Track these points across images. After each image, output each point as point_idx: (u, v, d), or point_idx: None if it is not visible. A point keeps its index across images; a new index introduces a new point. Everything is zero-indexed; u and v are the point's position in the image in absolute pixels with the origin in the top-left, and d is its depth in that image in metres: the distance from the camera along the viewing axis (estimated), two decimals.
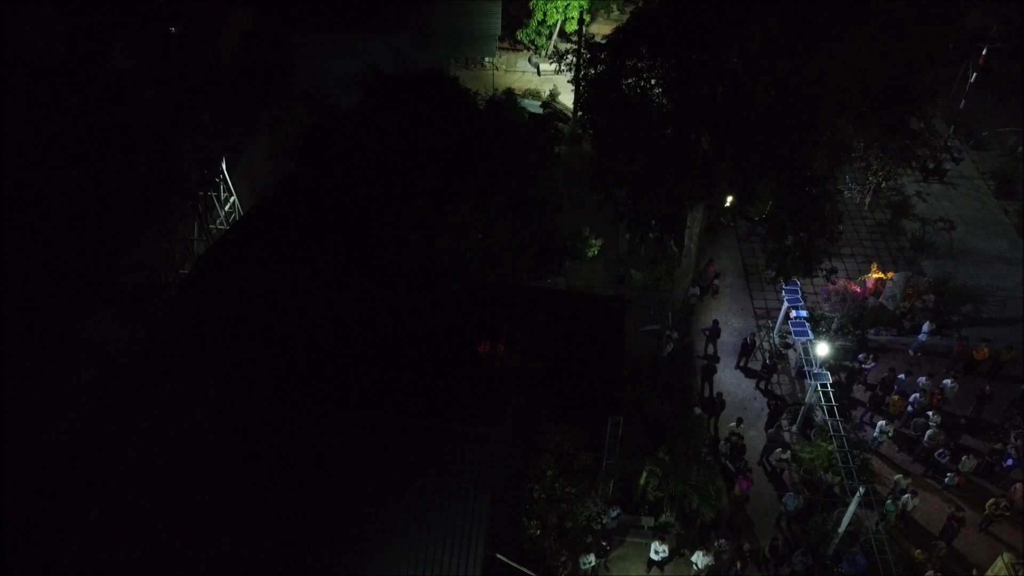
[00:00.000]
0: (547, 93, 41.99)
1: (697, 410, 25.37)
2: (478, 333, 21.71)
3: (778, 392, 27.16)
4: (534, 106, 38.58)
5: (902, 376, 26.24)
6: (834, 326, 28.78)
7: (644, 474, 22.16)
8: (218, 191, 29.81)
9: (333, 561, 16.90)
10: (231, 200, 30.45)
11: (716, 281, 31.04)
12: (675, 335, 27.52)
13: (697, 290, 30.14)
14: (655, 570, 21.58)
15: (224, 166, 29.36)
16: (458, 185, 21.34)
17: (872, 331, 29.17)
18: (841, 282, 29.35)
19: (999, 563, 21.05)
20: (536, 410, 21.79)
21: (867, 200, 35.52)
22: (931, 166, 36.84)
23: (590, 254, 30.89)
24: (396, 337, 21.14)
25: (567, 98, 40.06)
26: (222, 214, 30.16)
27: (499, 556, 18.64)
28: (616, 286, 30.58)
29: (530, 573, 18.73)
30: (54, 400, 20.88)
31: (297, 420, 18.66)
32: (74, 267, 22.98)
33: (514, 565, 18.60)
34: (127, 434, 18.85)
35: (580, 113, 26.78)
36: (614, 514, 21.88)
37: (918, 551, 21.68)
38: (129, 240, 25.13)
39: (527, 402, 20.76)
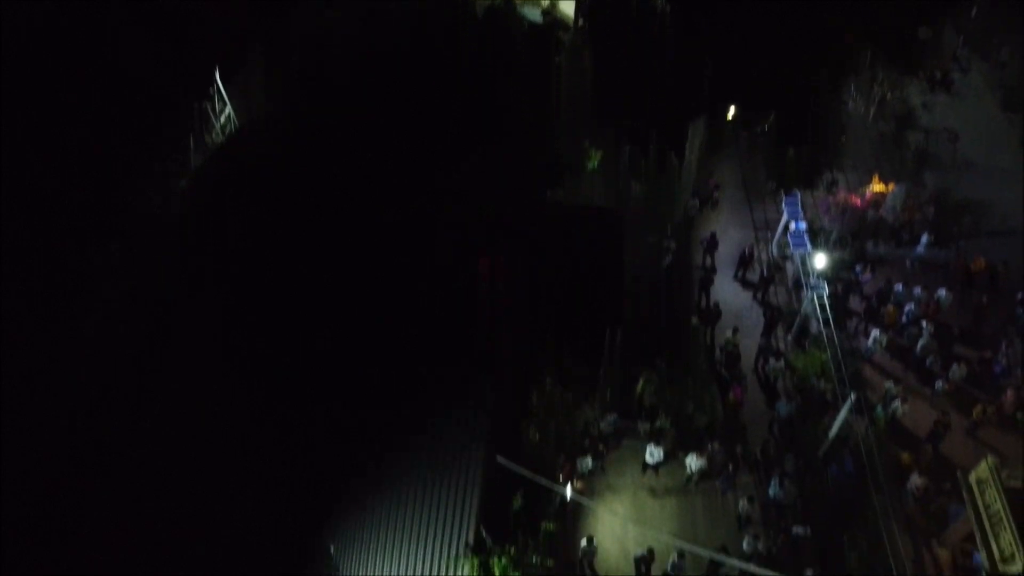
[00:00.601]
0: (547, 1, 40.73)
1: (694, 319, 25.68)
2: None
3: (775, 303, 27.43)
4: (534, 15, 37.36)
5: (898, 287, 26.47)
6: (833, 238, 28.80)
7: (641, 381, 22.65)
8: (213, 102, 29.36)
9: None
10: (226, 111, 30.00)
11: (716, 193, 30.89)
12: (673, 246, 27.60)
13: (697, 202, 30.05)
14: (650, 472, 22.29)
15: (218, 75, 28.84)
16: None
17: (870, 243, 29.23)
18: (842, 194, 29.21)
19: (983, 466, 21.67)
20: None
21: (871, 111, 34.97)
22: (937, 76, 36.11)
23: (590, 166, 30.63)
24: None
25: (568, 6, 38.80)
26: (217, 126, 29.79)
27: (500, 459, 19.28)
28: (616, 199, 30.44)
29: (529, 474, 19.36)
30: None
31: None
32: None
33: (514, 468, 19.22)
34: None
35: (582, 23, 26.09)
36: (611, 419, 22.47)
37: (905, 454, 22.35)
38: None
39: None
